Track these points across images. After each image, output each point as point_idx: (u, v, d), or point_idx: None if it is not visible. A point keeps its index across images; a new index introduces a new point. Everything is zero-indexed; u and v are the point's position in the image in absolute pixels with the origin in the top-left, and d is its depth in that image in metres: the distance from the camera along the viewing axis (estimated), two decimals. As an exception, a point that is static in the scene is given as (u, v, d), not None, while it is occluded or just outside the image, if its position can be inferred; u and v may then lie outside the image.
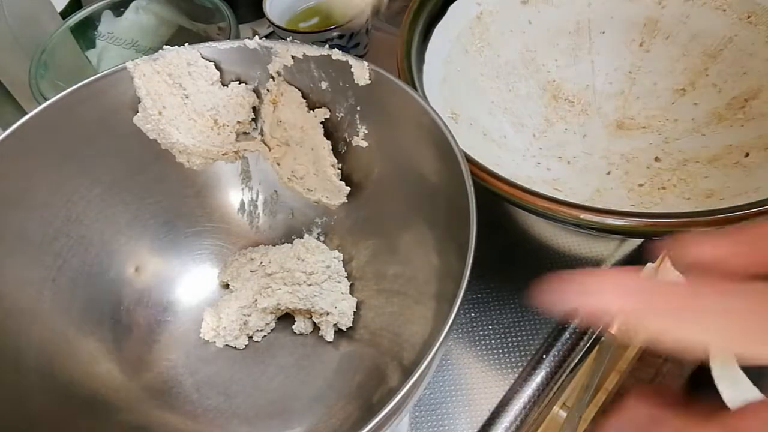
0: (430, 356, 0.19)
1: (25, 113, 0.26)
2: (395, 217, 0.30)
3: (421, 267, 0.28)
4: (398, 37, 0.32)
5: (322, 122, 0.30)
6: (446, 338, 0.20)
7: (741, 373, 0.40)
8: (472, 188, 0.23)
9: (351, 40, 0.40)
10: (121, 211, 0.30)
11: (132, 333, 0.29)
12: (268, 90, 0.30)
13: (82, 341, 0.28)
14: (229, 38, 0.29)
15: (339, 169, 0.31)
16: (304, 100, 0.30)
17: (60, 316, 0.27)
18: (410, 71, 0.31)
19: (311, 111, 0.30)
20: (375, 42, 0.46)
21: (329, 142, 0.30)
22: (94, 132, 0.28)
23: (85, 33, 0.41)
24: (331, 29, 0.38)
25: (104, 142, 0.28)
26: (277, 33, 0.40)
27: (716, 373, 0.44)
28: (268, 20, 0.39)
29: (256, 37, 0.28)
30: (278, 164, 0.31)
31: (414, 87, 0.30)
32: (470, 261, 0.21)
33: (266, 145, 0.31)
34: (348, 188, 0.31)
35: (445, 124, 0.25)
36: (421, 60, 0.33)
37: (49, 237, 0.27)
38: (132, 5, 0.42)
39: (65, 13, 0.41)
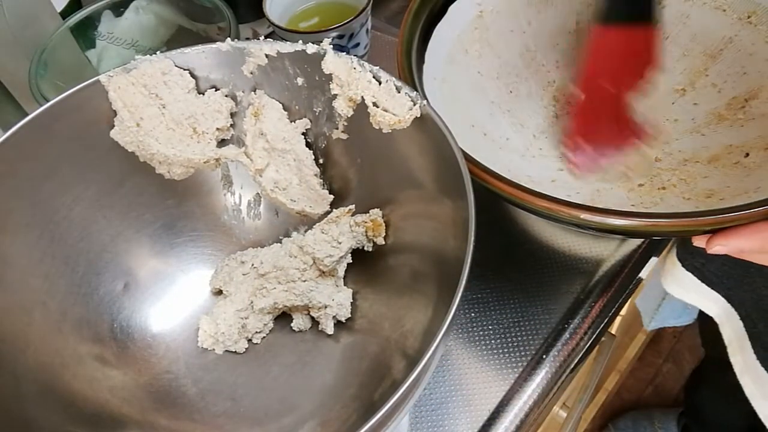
0: (440, 336, 0.19)
1: (26, 113, 0.26)
2: (384, 207, 0.30)
3: (416, 255, 0.28)
4: (398, 37, 0.32)
5: (303, 133, 0.30)
6: (452, 322, 0.20)
7: (765, 371, 0.40)
8: (471, 187, 0.23)
9: (351, 40, 0.40)
10: (105, 228, 0.30)
11: (128, 349, 0.29)
12: (250, 103, 0.30)
13: (80, 361, 0.27)
14: (229, 38, 0.29)
15: (321, 177, 0.31)
16: (286, 112, 0.30)
17: (54, 339, 0.27)
18: (410, 70, 0.31)
19: (293, 122, 0.30)
20: (375, 42, 0.46)
21: (311, 151, 0.31)
22: (72, 149, 0.28)
23: (85, 33, 0.41)
24: (331, 29, 0.38)
25: (83, 159, 0.28)
26: (277, 33, 0.40)
27: (738, 368, 0.44)
28: (268, 20, 0.39)
29: (228, 39, 0.28)
30: (260, 176, 0.31)
31: (414, 86, 0.30)
32: (471, 246, 0.21)
33: (248, 156, 0.31)
34: (332, 196, 0.31)
35: (443, 120, 0.25)
36: (421, 60, 0.33)
37: (35, 259, 0.27)
38: (132, 5, 0.42)
39: (65, 13, 0.41)
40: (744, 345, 0.41)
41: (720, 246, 0.24)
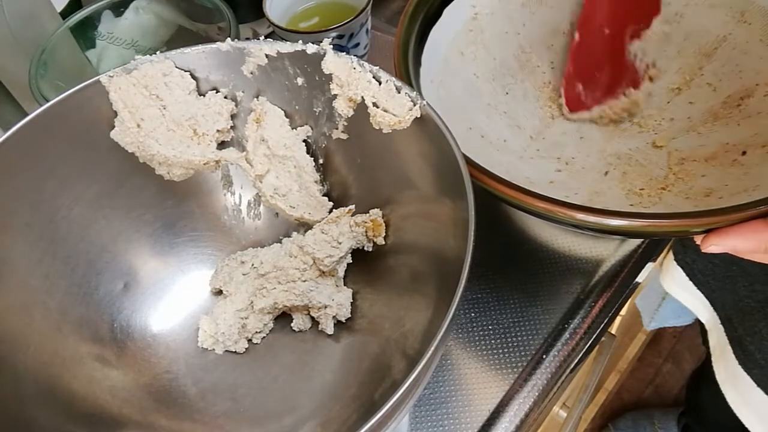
0: (440, 336, 0.19)
1: (26, 113, 0.26)
2: (384, 207, 0.30)
3: (416, 255, 0.28)
4: (395, 39, 0.33)
5: (304, 140, 0.31)
6: (452, 323, 0.20)
7: (746, 376, 0.40)
8: (471, 187, 0.23)
9: (351, 40, 0.40)
10: (105, 228, 0.30)
11: (128, 349, 0.29)
12: (252, 110, 0.30)
13: (80, 361, 0.27)
14: (229, 38, 0.29)
15: (321, 184, 0.31)
16: (287, 119, 0.30)
17: (54, 339, 0.27)
18: (407, 73, 0.31)
19: (294, 129, 0.30)
20: (375, 42, 0.46)
21: (312, 158, 0.31)
22: (72, 149, 0.28)
23: (85, 33, 0.41)
24: (331, 29, 0.38)
25: (83, 159, 0.28)
26: (277, 33, 0.40)
27: (720, 377, 0.44)
28: (268, 20, 0.39)
29: (228, 39, 0.28)
30: (261, 182, 0.31)
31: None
32: (471, 246, 0.21)
33: (249, 162, 0.31)
34: (331, 203, 0.31)
35: (443, 121, 0.25)
36: (417, 62, 0.33)
37: (35, 259, 0.27)
38: (132, 5, 0.42)
39: (65, 13, 0.41)
40: (725, 351, 0.40)
41: (714, 246, 0.23)
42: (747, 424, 0.39)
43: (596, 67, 0.35)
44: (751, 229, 0.23)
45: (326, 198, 0.32)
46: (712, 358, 0.42)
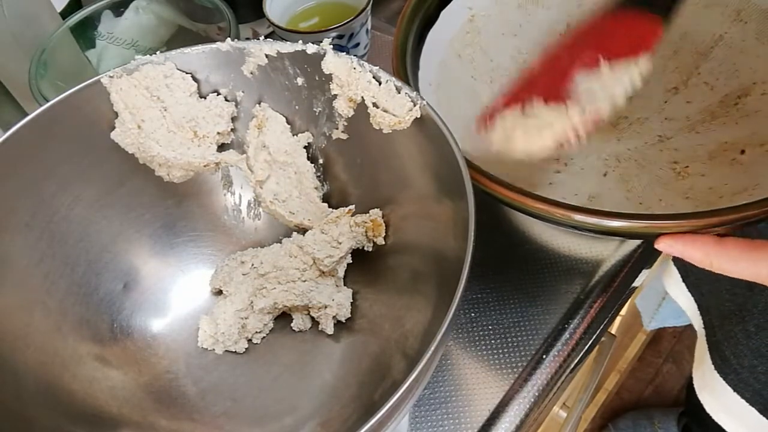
0: (440, 336, 0.19)
1: (26, 113, 0.26)
2: (384, 207, 0.30)
3: (416, 255, 0.28)
4: (393, 42, 0.33)
5: (305, 146, 0.31)
6: (452, 323, 0.20)
7: (722, 381, 0.39)
8: (471, 187, 0.23)
9: (351, 40, 0.40)
10: (105, 228, 0.30)
11: (128, 349, 0.29)
12: (254, 116, 0.30)
13: (80, 361, 0.27)
14: (229, 38, 0.29)
15: (321, 190, 0.31)
16: (289, 126, 0.30)
17: (54, 338, 0.27)
18: (406, 76, 0.31)
19: (295, 135, 0.30)
20: (375, 42, 0.46)
21: (312, 165, 0.31)
22: (72, 149, 0.28)
23: (85, 33, 0.41)
24: (331, 29, 0.38)
25: (83, 159, 0.28)
26: (277, 33, 0.40)
27: (697, 383, 0.43)
28: (268, 20, 0.39)
29: (228, 39, 0.28)
30: (261, 187, 0.31)
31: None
32: (471, 246, 0.21)
33: (250, 168, 0.31)
34: (330, 210, 0.31)
35: (443, 121, 0.25)
36: (416, 65, 0.33)
37: (35, 259, 0.27)
38: (132, 5, 0.42)
39: (65, 13, 0.41)
40: (704, 358, 0.40)
41: (665, 244, 0.24)
42: (729, 430, 0.39)
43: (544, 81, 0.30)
44: (702, 242, 0.24)
45: (326, 204, 0.32)
46: (693, 366, 0.42)
